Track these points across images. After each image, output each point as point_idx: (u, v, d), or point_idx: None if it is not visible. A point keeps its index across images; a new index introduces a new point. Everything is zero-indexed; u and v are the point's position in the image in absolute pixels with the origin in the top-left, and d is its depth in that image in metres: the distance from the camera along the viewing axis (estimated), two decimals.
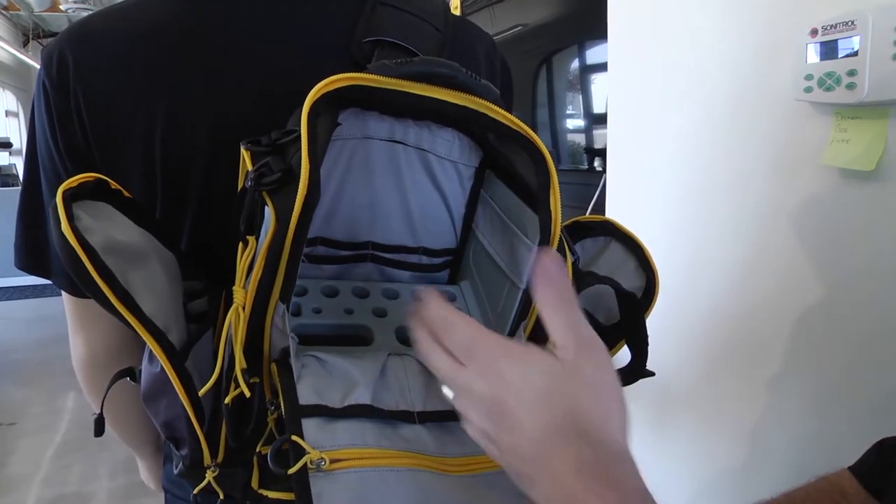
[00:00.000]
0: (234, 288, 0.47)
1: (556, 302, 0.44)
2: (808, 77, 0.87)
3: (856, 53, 0.80)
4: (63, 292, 0.67)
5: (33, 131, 0.63)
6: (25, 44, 9.09)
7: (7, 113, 8.86)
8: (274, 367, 0.48)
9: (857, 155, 0.85)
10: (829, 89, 0.85)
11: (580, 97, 2.52)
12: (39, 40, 9.04)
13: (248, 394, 0.47)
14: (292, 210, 0.44)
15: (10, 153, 8.23)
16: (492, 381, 0.41)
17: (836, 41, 0.83)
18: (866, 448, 0.64)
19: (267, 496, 0.56)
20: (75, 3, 6.93)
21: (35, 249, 0.65)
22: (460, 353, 0.43)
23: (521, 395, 0.40)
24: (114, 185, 0.54)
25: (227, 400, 0.49)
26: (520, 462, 0.40)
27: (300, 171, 0.44)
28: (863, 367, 0.92)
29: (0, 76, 8.62)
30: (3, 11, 7.95)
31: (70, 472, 2.63)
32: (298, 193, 0.43)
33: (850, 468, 0.63)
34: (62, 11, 7.34)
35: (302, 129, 0.44)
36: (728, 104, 1.08)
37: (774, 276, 1.04)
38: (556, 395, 0.40)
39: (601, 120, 2.43)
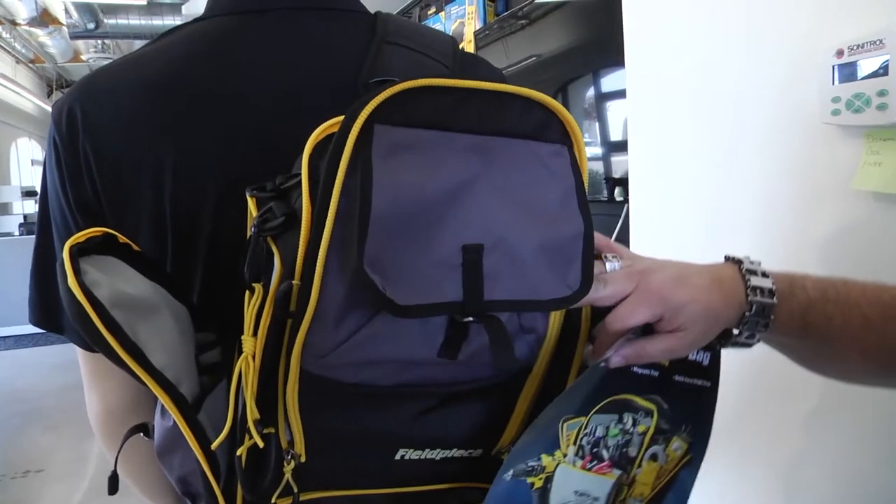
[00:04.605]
0: (242, 337, 0.46)
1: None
2: (836, 99, 0.85)
3: (886, 72, 0.77)
4: (77, 348, 0.66)
5: (45, 187, 0.62)
6: (50, 94, 9.35)
7: (33, 162, 9.07)
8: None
9: (891, 177, 0.82)
10: (857, 111, 0.82)
11: (597, 125, 2.51)
12: (62, 90, 9.30)
13: (261, 444, 0.46)
14: (296, 253, 0.43)
15: (36, 201, 8.42)
16: None
17: (863, 61, 0.80)
18: None
19: None
20: (96, 52, 7.12)
21: (48, 305, 0.63)
22: None
23: None
24: (122, 238, 0.53)
25: (239, 451, 0.47)
26: None
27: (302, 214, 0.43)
28: None
29: (26, 126, 8.86)
30: (29, 64, 8.19)
31: None
32: (301, 235, 0.43)
33: None
34: (84, 62, 7.53)
35: (303, 171, 0.44)
36: (752, 129, 1.06)
37: None
38: None
39: (619, 147, 2.41)
